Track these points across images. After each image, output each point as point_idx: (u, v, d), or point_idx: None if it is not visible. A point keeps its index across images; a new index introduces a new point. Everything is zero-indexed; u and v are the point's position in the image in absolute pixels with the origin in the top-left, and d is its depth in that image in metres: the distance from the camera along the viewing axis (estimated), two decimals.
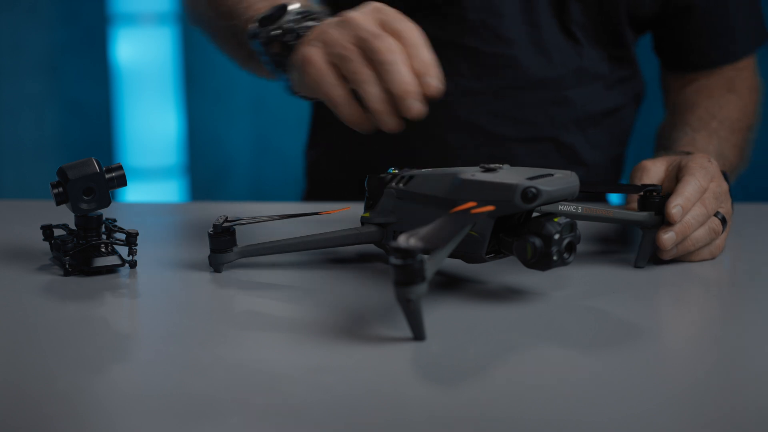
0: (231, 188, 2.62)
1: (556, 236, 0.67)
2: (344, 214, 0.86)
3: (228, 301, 0.73)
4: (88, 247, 0.78)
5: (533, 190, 0.67)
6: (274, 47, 0.86)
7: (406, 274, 0.59)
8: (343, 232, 0.79)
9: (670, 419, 0.52)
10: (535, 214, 0.72)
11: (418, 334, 0.62)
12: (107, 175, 0.78)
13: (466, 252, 0.72)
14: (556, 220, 0.68)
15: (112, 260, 0.78)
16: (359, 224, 0.80)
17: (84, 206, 0.77)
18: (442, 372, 0.58)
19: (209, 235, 0.78)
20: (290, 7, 0.86)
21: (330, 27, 0.79)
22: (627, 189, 0.85)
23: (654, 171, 0.88)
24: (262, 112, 2.59)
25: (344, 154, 1.26)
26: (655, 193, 0.81)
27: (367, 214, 0.80)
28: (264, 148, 2.61)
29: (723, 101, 1.18)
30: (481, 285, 0.76)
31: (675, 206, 0.80)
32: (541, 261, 0.68)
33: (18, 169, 2.56)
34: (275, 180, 2.61)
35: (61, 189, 0.77)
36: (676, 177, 0.87)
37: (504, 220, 0.72)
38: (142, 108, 2.51)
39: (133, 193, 2.51)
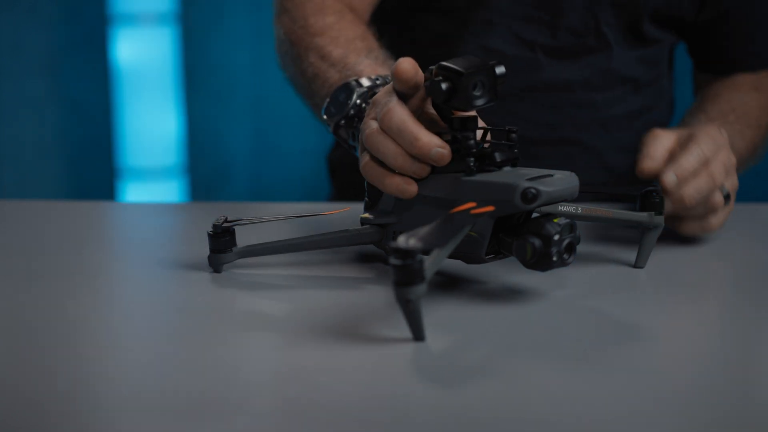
0: (231, 188, 2.62)
1: (556, 237, 0.67)
2: (344, 215, 0.86)
3: (228, 301, 0.73)
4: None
5: (533, 190, 0.67)
6: (342, 133, 0.88)
7: (406, 275, 0.59)
8: (342, 233, 0.79)
9: (671, 419, 0.52)
10: (535, 215, 0.72)
11: (418, 335, 0.62)
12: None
13: (465, 252, 0.72)
14: (555, 220, 0.68)
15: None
16: (359, 224, 0.80)
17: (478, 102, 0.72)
18: (442, 372, 0.58)
19: (209, 235, 0.78)
20: (356, 94, 0.86)
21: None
22: (626, 190, 0.84)
23: (665, 137, 0.85)
24: (262, 112, 2.58)
25: None
26: (654, 193, 0.81)
27: (366, 215, 0.80)
28: (264, 148, 2.61)
29: (747, 97, 1.17)
30: (481, 285, 0.76)
31: (668, 174, 0.78)
32: (540, 261, 0.68)
33: (18, 169, 2.55)
34: (275, 180, 2.60)
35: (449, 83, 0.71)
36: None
37: (504, 221, 0.72)
38: (142, 108, 2.51)
39: (133, 193, 2.51)
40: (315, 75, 0.99)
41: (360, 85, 0.88)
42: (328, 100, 0.90)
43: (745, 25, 1.21)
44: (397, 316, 0.63)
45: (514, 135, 0.74)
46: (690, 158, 0.80)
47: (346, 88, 0.88)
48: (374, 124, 0.75)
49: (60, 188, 2.58)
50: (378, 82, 0.89)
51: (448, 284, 0.76)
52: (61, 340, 0.64)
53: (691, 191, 0.79)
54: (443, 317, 0.68)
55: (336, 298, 0.73)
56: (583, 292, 0.76)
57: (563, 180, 0.71)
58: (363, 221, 0.80)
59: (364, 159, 0.76)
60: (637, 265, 0.82)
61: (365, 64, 0.93)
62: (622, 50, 1.18)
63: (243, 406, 0.52)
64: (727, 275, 0.84)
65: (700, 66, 1.27)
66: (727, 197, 0.82)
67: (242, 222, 0.79)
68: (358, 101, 0.86)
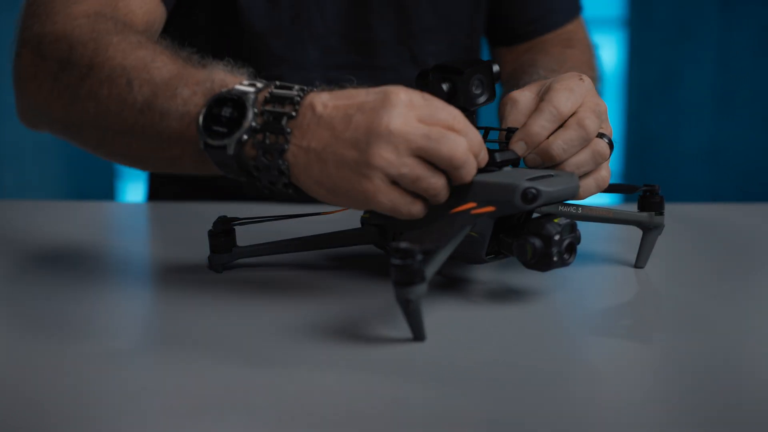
0: None
1: (556, 237, 0.67)
2: (344, 215, 0.86)
3: (228, 301, 0.73)
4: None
5: (533, 190, 0.67)
6: (248, 151, 0.68)
7: (406, 275, 0.59)
8: (342, 233, 0.80)
9: (670, 419, 0.52)
10: (535, 215, 0.72)
11: (418, 335, 0.62)
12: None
13: (466, 252, 0.72)
14: (556, 220, 0.68)
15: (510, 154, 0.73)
16: (359, 224, 0.80)
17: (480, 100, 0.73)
18: (442, 372, 0.58)
19: (209, 235, 0.78)
20: (249, 102, 0.68)
21: (377, 142, 0.65)
22: (626, 189, 0.84)
23: (523, 102, 0.76)
24: None
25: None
26: (654, 193, 0.81)
27: (366, 215, 0.80)
28: None
29: (563, 56, 1.12)
30: (481, 285, 0.76)
31: (517, 141, 0.74)
32: (541, 262, 0.68)
33: (18, 169, 2.56)
34: None
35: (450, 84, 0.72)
36: None
37: (504, 221, 0.72)
38: None
39: (134, 193, 2.51)
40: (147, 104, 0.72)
41: (245, 93, 0.68)
42: (201, 121, 0.68)
43: None
44: (397, 316, 0.63)
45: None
46: (540, 120, 0.73)
47: (223, 102, 0.68)
48: (414, 163, 0.65)
49: (60, 188, 2.59)
50: (260, 86, 0.69)
51: (448, 284, 0.76)
52: (61, 340, 0.64)
53: (559, 143, 0.73)
54: (443, 317, 0.68)
55: (336, 298, 0.73)
56: (584, 292, 0.76)
57: (564, 180, 0.71)
58: (363, 221, 0.80)
59: (377, 186, 0.66)
60: (637, 265, 0.82)
61: (221, 73, 0.72)
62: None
63: (243, 406, 0.52)
64: (727, 275, 0.84)
65: (494, 41, 1.24)
66: (610, 144, 0.75)
67: (242, 222, 0.79)
68: (256, 110, 0.67)
